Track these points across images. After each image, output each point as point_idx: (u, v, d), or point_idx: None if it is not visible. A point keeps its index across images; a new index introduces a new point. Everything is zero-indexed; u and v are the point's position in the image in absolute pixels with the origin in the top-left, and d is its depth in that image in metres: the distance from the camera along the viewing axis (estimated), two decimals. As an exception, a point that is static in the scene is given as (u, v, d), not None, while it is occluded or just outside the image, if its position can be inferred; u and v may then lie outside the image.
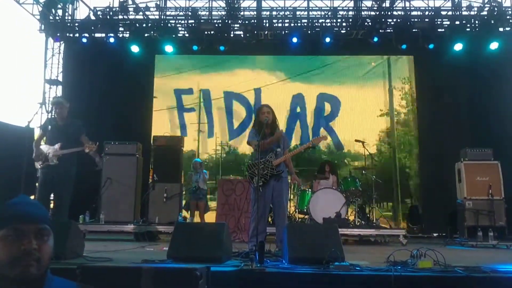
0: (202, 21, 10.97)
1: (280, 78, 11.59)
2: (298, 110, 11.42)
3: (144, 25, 11.01)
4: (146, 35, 10.97)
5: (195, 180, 8.95)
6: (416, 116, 11.14)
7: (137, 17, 11.07)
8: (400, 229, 7.86)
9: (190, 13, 11.06)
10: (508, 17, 10.67)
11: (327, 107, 11.37)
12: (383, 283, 3.49)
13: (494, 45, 10.42)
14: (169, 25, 11.07)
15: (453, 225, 8.66)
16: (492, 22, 10.57)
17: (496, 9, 10.62)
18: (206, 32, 10.75)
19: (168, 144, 8.58)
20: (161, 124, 11.22)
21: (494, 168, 7.99)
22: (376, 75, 11.41)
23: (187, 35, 11.18)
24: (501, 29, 10.64)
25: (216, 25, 10.90)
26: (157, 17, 11.28)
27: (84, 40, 10.89)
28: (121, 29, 11.12)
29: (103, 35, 11.05)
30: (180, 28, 11.26)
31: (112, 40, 10.82)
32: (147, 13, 11.13)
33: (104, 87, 10.89)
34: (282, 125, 10.96)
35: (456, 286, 3.57)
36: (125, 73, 10.88)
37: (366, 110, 11.25)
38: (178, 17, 11.32)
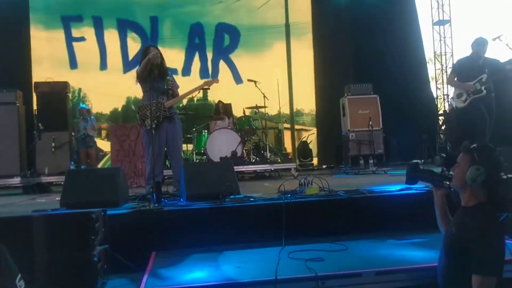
0: None
1: (177, 6, 11.18)
2: (197, 41, 11.17)
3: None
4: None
5: (83, 128, 8.57)
6: (312, 53, 11.52)
7: None
8: (292, 163, 8.33)
9: None
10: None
11: (227, 39, 11.26)
12: (275, 210, 3.75)
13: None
14: None
15: (339, 156, 9.40)
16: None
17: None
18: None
19: (52, 91, 7.98)
20: (42, 61, 10.28)
21: (373, 101, 8.71)
22: (274, 7, 11.42)
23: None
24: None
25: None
26: None
27: None
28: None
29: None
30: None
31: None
32: None
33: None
34: (181, 56, 10.89)
35: (339, 207, 3.96)
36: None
37: (265, 45, 11.38)
38: None
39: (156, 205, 3.94)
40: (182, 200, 4.34)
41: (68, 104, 8.16)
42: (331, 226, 3.86)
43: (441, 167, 2.78)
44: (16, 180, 7.10)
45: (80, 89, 10.45)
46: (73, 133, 8.26)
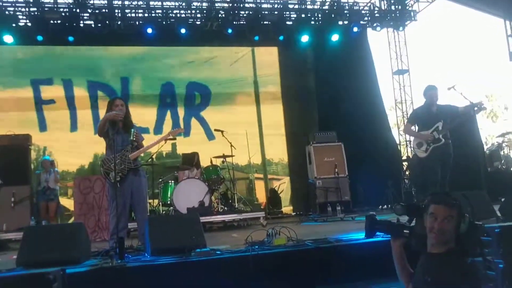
0: (46, 9, 10.11)
1: (147, 65, 11.35)
2: (168, 100, 11.29)
3: (-25, 12, 9.80)
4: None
5: (44, 180, 8.32)
6: (281, 103, 11.82)
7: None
8: (260, 211, 8.26)
9: (31, 0, 10.11)
10: (345, 11, 11.76)
11: (198, 97, 11.43)
12: (242, 263, 3.68)
13: (335, 37, 11.47)
14: (6, 12, 9.99)
15: (307, 203, 9.42)
16: (333, 15, 11.60)
17: (335, 3, 11.67)
18: (51, 22, 9.97)
19: (13, 143, 7.82)
20: (8, 123, 9.89)
21: (338, 148, 8.91)
22: (243, 65, 11.80)
23: (29, 24, 10.23)
24: (340, 23, 11.70)
25: (63, 13, 10.15)
26: (-9, 3, 10.10)
27: None
28: None
29: None
30: (20, 17, 10.24)
31: None
32: (-22, -2, 9.93)
33: None
34: (152, 115, 10.94)
35: (307, 258, 3.92)
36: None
37: (234, 98, 11.64)
38: (17, 4, 10.25)
39: (119, 261, 3.80)
40: (146, 255, 4.21)
41: (29, 157, 7.97)
42: (300, 276, 3.81)
43: (397, 217, 2.81)
44: (-28, 238, 6.75)
45: (45, 147, 10.20)
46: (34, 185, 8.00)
